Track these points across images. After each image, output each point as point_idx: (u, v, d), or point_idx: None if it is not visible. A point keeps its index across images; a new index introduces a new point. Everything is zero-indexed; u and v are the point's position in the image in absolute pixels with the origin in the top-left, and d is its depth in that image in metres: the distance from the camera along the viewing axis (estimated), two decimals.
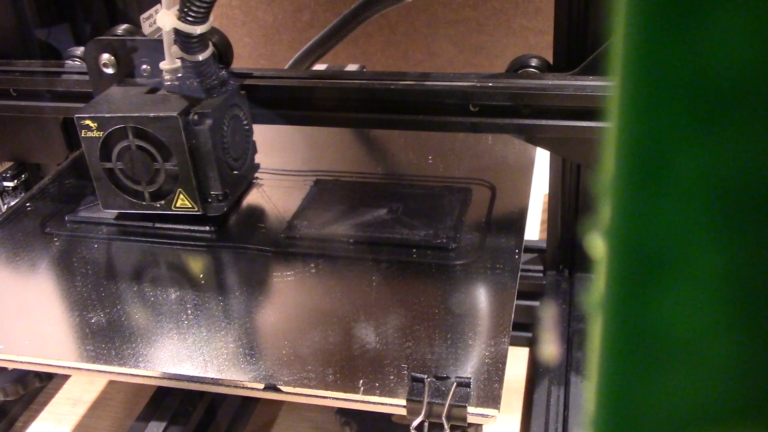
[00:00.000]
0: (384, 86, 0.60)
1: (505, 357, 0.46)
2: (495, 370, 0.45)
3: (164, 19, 0.55)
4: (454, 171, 0.67)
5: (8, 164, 0.77)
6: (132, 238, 0.60)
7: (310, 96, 0.63)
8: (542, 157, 0.70)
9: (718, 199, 0.11)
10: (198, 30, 0.55)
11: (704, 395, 0.12)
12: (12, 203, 0.76)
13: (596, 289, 0.12)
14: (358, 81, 0.61)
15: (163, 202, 0.58)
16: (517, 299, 0.52)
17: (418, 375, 0.44)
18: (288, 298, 0.53)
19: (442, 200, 0.62)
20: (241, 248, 0.58)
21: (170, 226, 0.60)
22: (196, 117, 0.55)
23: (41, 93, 0.68)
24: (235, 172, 0.60)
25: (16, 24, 0.73)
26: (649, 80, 0.11)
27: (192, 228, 0.59)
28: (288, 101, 0.63)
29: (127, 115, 0.55)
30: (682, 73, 0.10)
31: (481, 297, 0.52)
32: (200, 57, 0.57)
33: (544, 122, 0.58)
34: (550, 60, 0.62)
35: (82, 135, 0.56)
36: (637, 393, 0.12)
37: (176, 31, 0.55)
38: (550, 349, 0.65)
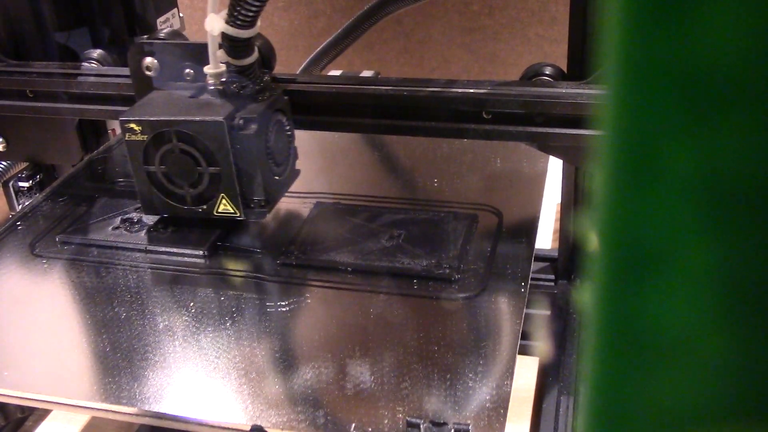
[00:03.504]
0: (397, 92, 0.60)
1: (508, 402, 0.44)
2: (496, 416, 0.42)
3: (213, 23, 0.54)
4: (461, 195, 0.65)
5: (24, 165, 0.78)
6: (123, 261, 0.58)
7: (323, 101, 0.63)
8: (555, 166, 0.69)
9: (709, 194, 0.11)
10: (246, 34, 0.55)
11: (696, 394, 0.12)
12: (26, 203, 0.76)
13: (588, 287, 0.12)
14: (371, 87, 0.61)
15: (205, 206, 0.57)
16: (527, 308, 0.51)
17: (413, 420, 0.42)
18: (280, 330, 0.51)
19: (446, 227, 0.60)
20: (234, 275, 0.56)
21: (163, 249, 0.58)
22: (241, 122, 0.54)
23: (57, 94, 0.68)
24: (277, 178, 0.59)
25: (35, 28, 0.74)
26: (640, 74, 0.11)
27: (185, 252, 0.58)
28: (299, 106, 0.63)
29: (172, 118, 0.55)
30: (673, 66, 0.10)
31: (484, 335, 0.49)
32: (246, 62, 0.57)
33: (557, 130, 0.58)
34: (565, 68, 0.61)
35: (126, 138, 0.56)
36: (628, 392, 0.12)
37: (223, 35, 0.55)
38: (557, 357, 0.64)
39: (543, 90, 0.58)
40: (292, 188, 0.65)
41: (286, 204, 0.64)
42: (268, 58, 0.62)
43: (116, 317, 0.52)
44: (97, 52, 0.71)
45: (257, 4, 0.53)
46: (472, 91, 0.59)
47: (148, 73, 0.60)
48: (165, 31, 0.67)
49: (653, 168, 0.11)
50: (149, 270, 0.57)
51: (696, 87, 0.10)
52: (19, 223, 0.64)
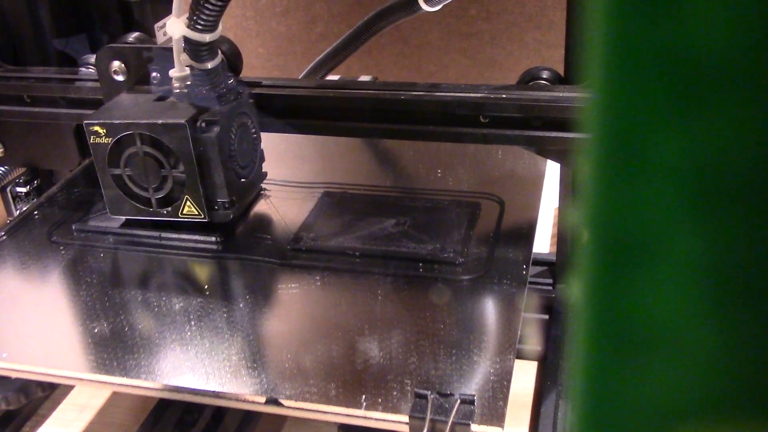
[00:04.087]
0: (394, 96, 0.60)
1: (511, 374, 0.45)
2: (500, 387, 0.44)
3: (174, 27, 0.55)
4: (464, 184, 0.67)
5: (21, 170, 0.78)
6: (138, 247, 0.60)
7: (320, 105, 0.63)
8: (553, 171, 0.69)
9: (696, 184, 0.11)
10: (207, 38, 0.55)
11: (685, 388, 0.11)
12: (24, 208, 0.76)
13: (577, 279, 0.12)
14: (369, 91, 0.62)
15: (170, 209, 0.58)
16: (526, 313, 0.51)
17: (421, 391, 0.44)
18: (292, 310, 0.53)
19: (450, 214, 0.61)
20: (246, 259, 0.58)
21: (176, 235, 0.60)
22: (203, 125, 0.55)
23: (55, 100, 0.68)
24: (243, 180, 0.60)
25: (33, 34, 0.74)
26: (625, 63, 0.10)
27: (198, 238, 0.59)
28: (297, 110, 0.64)
29: (135, 121, 0.55)
30: (659, 55, 0.10)
31: (488, 312, 0.51)
32: (209, 65, 0.57)
33: (554, 134, 0.58)
34: (562, 73, 0.62)
35: (91, 141, 0.57)
36: (616, 385, 0.12)
37: (186, 39, 0.56)
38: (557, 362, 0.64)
39: (540, 94, 0.58)
40: (301, 178, 0.68)
41: (295, 194, 0.66)
42: (234, 62, 0.62)
43: (133, 299, 0.54)
44: (94, 57, 0.71)
45: (217, 8, 0.54)
46: (469, 95, 0.59)
47: (116, 77, 0.61)
48: (134, 35, 0.68)
49: (639, 158, 0.11)
50: (164, 255, 0.59)
51: (682, 76, 0.10)
52: (36, 212, 0.66)
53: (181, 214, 0.58)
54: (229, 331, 0.50)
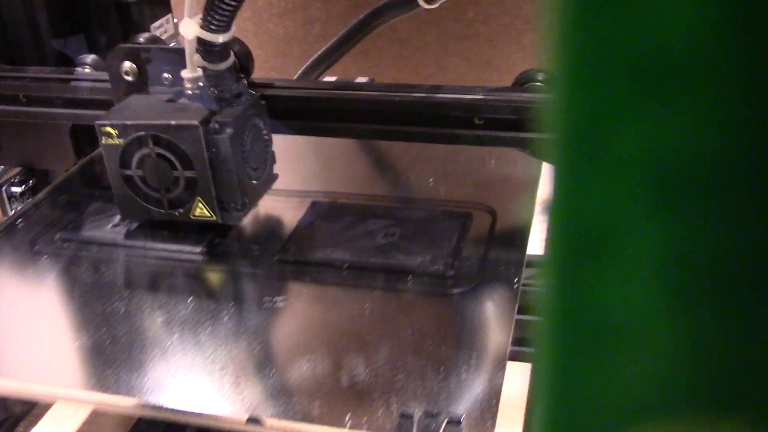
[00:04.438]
0: (389, 98, 0.60)
1: (500, 393, 0.44)
2: (488, 406, 0.43)
3: (187, 28, 0.55)
4: (456, 193, 0.66)
5: (16, 170, 0.78)
6: (122, 258, 0.59)
7: (317, 107, 0.63)
8: (547, 170, 0.69)
9: (656, 176, 0.11)
10: (220, 39, 0.55)
11: (648, 383, 0.11)
12: (19, 208, 0.76)
13: (541, 272, 0.12)
14: (365, 92, 0.62)
15: (181, 210, 0.57)
16: (519, 314, 0.51)
17: (407, 411, 0.43)
18: (277, 324, 0.52)
19: (441, 225, 0.60)
20: (232, 271, 0.57)
21: (162, 245, 0.59)
22: (216, 126, 0.55)
23: (51, 99, 0.68)
24: (254, 182, 0.59)
25: (31, 34, 0.74)
26: (586, 55, 0.10)
27: (184, 248, 0.58)
28: (294, 112, 0.63)
29: (147, 123, 0.55)
30: (619, 48, 0.10)
31: (477, 328, 0.51)
32: (222, 66, 0.57)
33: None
34: None
35: (103, 142, 0.56)
36: (579, 380, 0.12)
37: (198, 40, 0.55)
38: None
39: (535, 96, 0.58)
40: (289, 187, 0.66)
41: (282, 203, 0.65)
42: (245, 63, 0.62)
43: (115, 312, 0.53)
44: (90, 57, 0.71)
45: (230, 8, 0.53)
46: (464, 96, 0.59)
47: (126, 77, 0.61)
48: (144, 36, 0.68)
49: (600, 150, 0.11)
50: (148, 266, 0.58)
51: (642, 70, 0.10)
52: (19, 220, 0.65)
53: (193, 215, 0.57)
54: (212, 346, 0.49)
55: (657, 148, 0.11)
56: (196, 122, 0.54)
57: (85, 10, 0.78)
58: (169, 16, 0.78)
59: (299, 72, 0.81)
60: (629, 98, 0.11)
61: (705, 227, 0.11)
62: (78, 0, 0.76)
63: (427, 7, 0.66)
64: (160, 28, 0.77)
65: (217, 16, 0.54)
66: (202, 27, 0.54)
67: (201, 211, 0.57)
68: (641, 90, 0.11)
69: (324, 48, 0.77)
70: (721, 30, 0.10)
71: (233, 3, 0.53)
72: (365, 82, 0.84)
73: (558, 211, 0.12)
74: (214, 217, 0.57)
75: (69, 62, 0.76)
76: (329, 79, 0.88)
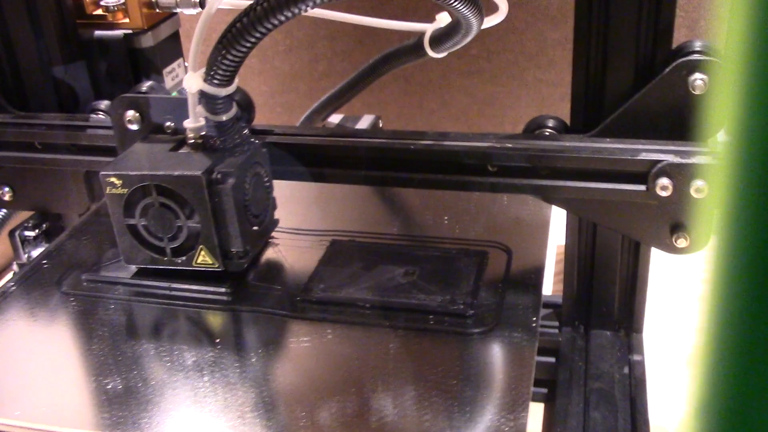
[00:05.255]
0: (403, 146, 0.61)
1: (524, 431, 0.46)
2: None
3: (190, 81, 0.56)
4: (470, 232, 0.67)
5: (29, 213, 0.78)
6: (148, 299, 0.60)
7: (330, 154, 0.64)
8: (556, 211, 0.70)
9: None
10: (223, 92, 0.56)
11: None
12: (33, 252, 0.76)
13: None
14: (378, 140, 0.62)
15: (184, 258, 0.59)
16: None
17: None
18: (304, 365, 0.53)
19: (458, 263, 0.62)
20: (257, 311, 0.58)
21: (186, 286, 0.60)
22: (219, 176, 0.56)
23: (66, 146, 0.69)
24: (255, 228, 0.61)
25: (43, 79, 0.74)
26: None
27: (208, 289, 0.59)
28: (306, 158, 0.64)
29: (152, 173, 0.56)
30: None
31: (499, 367, 0.52)
32: (224, 117, 0.58)
33: (561, 183, 0.59)
34: (567, 119, 0.63)
35: (107, 191, 0.57)
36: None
37: (202, 93, 0.57)
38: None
39: (547, 143, 0.59)
40: (308, 226, 0.68)
41: (303, 242, 0.66)
42: (247, 111, 0.63)
43: (144, 352, 0.54)
44: (104, 104, 0.72)
45: (234, 63, 0.55)
46: (477, 144, 0.60)
47: (130, 126, 0.62)
48: (147, 84, 0.69)
49: None
50: (174, 307, 0.59)
51: None
52: (45, 261, 0.66)
53: (195, 263, 0.58)
54: (242, 387, 0.50)
55: None
56: (199, 173, 0.55)
57: (93, 54, 0.78)
58: (180, 60, 0.79)
59: (307, 113, 0.82)
60: None
61: None
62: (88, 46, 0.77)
63: (434, 56, 0.68)
64: (171, 72, 0.78)
65: (219, 71, 0.55)
66: (205, 81, 0.56)
67: (203, 259, 0.58)
68: None
69: (331, 91, 0.78)
70: None
71: (237, 59, 0.55)
72: (378, 130, 0.84)
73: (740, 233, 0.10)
74: (217, 265, 0.58)
75: (71, 90, 0.75)
76: (335, 116, 0.89)
